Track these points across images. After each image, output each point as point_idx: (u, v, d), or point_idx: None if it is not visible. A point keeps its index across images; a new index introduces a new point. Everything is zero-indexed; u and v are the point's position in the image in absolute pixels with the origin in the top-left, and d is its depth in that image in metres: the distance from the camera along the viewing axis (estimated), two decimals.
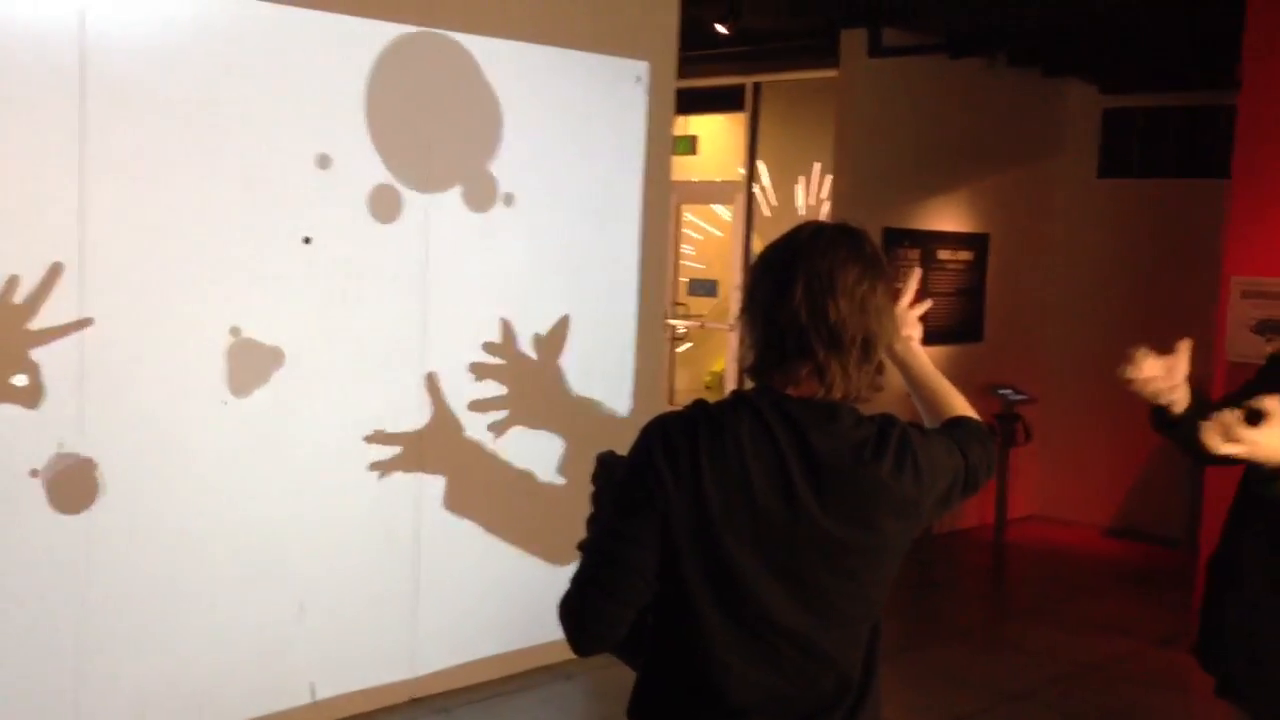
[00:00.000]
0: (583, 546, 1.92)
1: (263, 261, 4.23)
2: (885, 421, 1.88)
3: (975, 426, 2.08)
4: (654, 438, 1.84)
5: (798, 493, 1.79)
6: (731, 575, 1.80)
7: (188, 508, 4.12)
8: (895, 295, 1.97)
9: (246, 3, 4.11)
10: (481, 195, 4.83)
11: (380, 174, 4.51)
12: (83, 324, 3.82)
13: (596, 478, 2.02)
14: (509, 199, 4.91)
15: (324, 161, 4.34)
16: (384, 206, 4.52)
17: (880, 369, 1.90)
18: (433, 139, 4.66)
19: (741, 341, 1.95)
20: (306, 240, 4.33)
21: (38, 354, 3.74)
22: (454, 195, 4.75)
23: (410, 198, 4.61)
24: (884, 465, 1.82)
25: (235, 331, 4.18)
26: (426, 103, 4.63)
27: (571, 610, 1.86)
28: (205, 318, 4.12)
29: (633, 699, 1.95)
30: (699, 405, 1.88)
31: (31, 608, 3.81)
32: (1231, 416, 2.20)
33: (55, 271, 3.75)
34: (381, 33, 4.47)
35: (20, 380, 3.71)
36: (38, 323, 3.74)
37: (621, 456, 1.95)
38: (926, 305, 2.24)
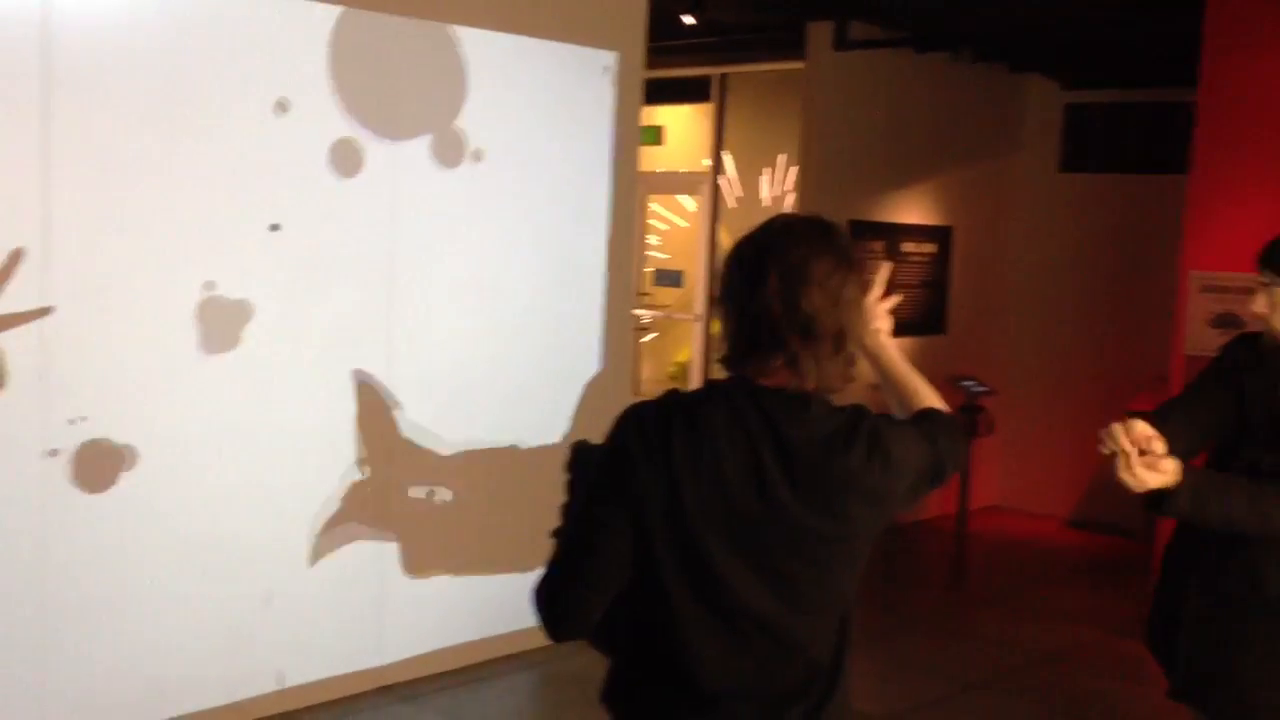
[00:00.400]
0: (556, 533, 1.94)
1: (230, 242, 4.21)
2: (856, 412, 1.91)
3: (945, 419, 2.11)
4: (628, 426, 1.86)
5: (770, 482, 1.82)
6: (704, 563, 1.82)
7: (152, 495, 4.10)
8: (866, 288, 1.99)
9: None
10: (449, 151, 4.82)
11: (343, 127, 4.49)
12: (43, 312, 3.78)
13: (570, 466, 2.04)
14: (477, 154, 4.89)
15: (282, 107, 4.30)
16: (347, 162, 4.50)
17: (852, 360, 1.92)
18: (400, 96, 4.65)
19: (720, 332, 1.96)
20: (274, 227, 4.31)
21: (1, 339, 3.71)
22: (420, 149, 4.73)
23: (374, 150, 4.59)
24: (855, 455, 1.85)
25: (203, 308, 4.16)
26: (391, 69, 4.62)
27: (546, 596, 1.87)
28: (170, 303, 4.09)
29: (606, 685, 1.97)
30: (673, 394, 1.90)
31: None
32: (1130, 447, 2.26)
33: (15, 257, 3.71)
34: (342, 15, 4.46)
35: None
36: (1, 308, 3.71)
37: (595, 445, 1.97)
38: (897, 299, 2.27)
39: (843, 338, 1.87)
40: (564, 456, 2.05)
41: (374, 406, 4.67)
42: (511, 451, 5.17)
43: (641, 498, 1.81)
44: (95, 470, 3.96)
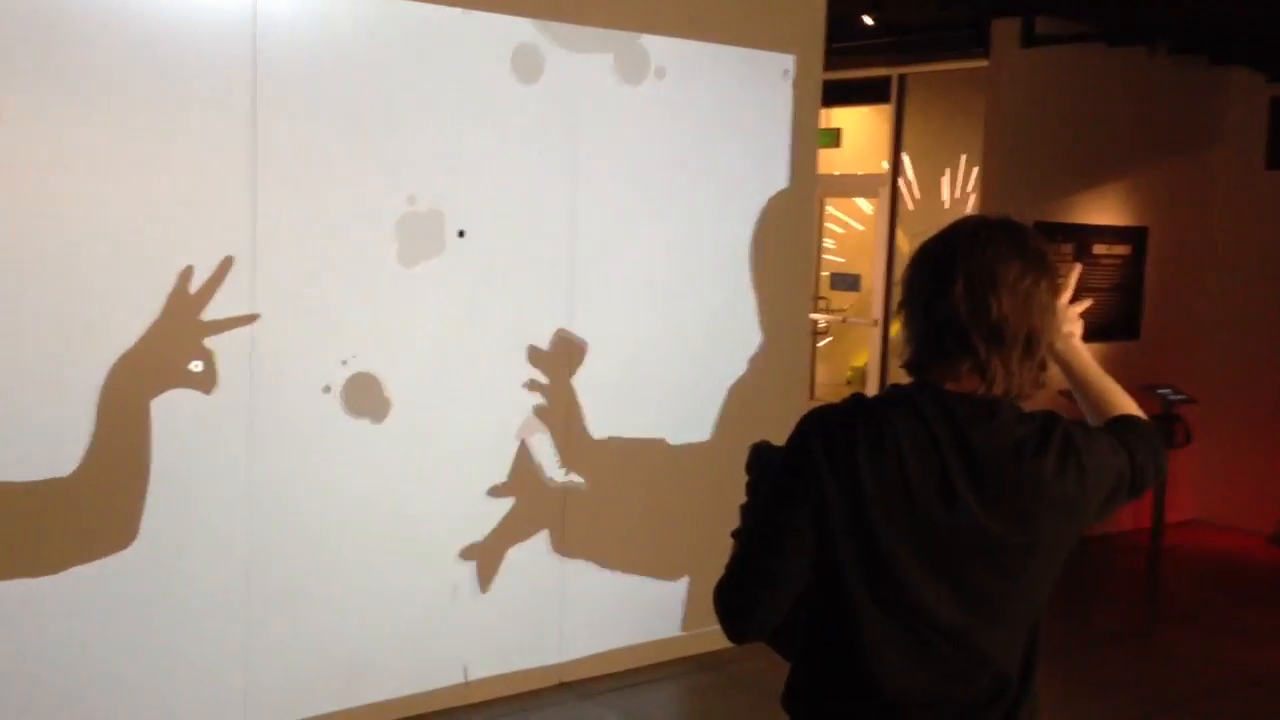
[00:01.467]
0: (737, 534, 1.94)
1: (416, 258, 4.37)
2: (1047, 419, 1.85)
3: (1142, 426, 2.02)
4: (812, 430, 1.85)
5: (957, 490, 1.78)
6: (887, 570, 1.80)
7: (348, 491, 4.29)
8: (1059, 291, 1.93)
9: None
10: (633, 156, 4.89)
11: (531, 136, 4.61)
12: (250, 319, 4.00)
13: (750, 467, 2.04)
14: (661, 156, 4.94)
15: (473, 117, 4.45)
16: (537, 179, 4.64)
17: (1043, 366, 1.87)
18: (584, 107, 4.74)
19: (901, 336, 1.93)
20: (460, 234, 4.46)
21: (211, 342, 3.95)
22: (603, 160, 4.82)
23: (560, 193, 4.70)
24: (1046, 464, 1.80)
25: (389, 319, 4.33)
26: (569, 93, 4.72)
27: (726, 597, 1.88)
28: (361, 301, 4.28)
29: (786, 689, 1.97)
30: (856, 399, 1.88)
31: (202, 593, 4.02)
32: None
33: (226, 265, 3.95)
34: (533, 26, 4.57)
35: (197, 366, 3.92)
36: (211, 314, 3.94)
37: (776, 446, 1.96)
38: (1088, 303, 2.17)
39: (1033, 342, 1.82)
40: (745, 457, 2.05)
41: (559, 400, 4.78)
42: (693, 450, 5.20)
43: (824, 502, 1.80)
44: (296, 470, 4.17)
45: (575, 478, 4.86)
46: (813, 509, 1.80)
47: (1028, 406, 1.87)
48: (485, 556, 4.66)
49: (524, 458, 4.72)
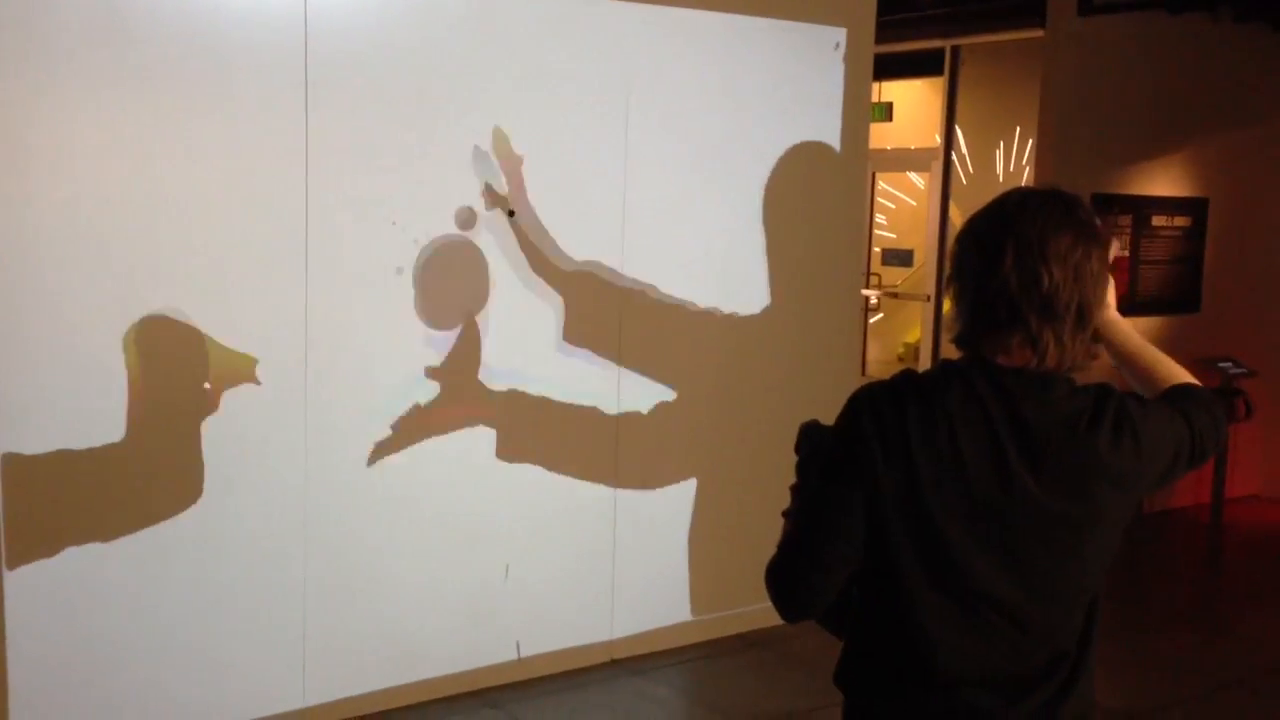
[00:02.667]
0: (787, 514, 1.94)
1: (466, 246, 4.39)
2: (1101, 391, 1.83)
3: (1200, 393, 1.97)
4: (862, 406, 1.83)
5: (1010, 465, 1.76)
6: (941, 547, 1.78)
7: (400, 473, 4.33)
8: (1109, 263, 1.90)
9: None
10: (681, 132, 4.88)
11: (579, 147, 4.61)
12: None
13: (800, 446, 2.03)
14: (711, 132, 4.94)
15: (527, 97, 4.45)
16: (584, 156, 4.63)
17: (1096, 337, 1.84)
18: (630, 109, 4.73)
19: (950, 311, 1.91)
20: (511, 214, 4.47)
21: (265, 324, 4.00)
22: (651, 130, 4.81)
23: (612, 175, 4.69)
24: (1100, 437, 1.77)
25: (445, 300, 4.36)
26: (624, 76, 4.70)
27: (779, 577, 1.87)
28: (414, 289, 4.30)
29: (839, 667, 1.96)
30: (907, 375, 1.87)
31: (263, 572, 4.09)
32: None
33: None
34: (580, 8, 4.56)
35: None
36: (266, 301, 3.99)
37: (825, 425, 1.95)
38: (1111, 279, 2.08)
39: (1085, 314, 1.80)
40: (793, 437, 2.04)
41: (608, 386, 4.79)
42: (744, 428, 5.19)
43: (875, 479, 1.78)
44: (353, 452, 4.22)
45: (629, 454, 4.87)
46: (864, 487, 1.79)
47: (1081, 379, 1.84)
48: (538, 536, 4.69)
49: (578, 435, 4.74)
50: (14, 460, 3.62)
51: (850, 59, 5.34)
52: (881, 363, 10.51)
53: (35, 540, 3.69)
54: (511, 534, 4.62)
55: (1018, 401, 1.78)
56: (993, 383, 1.79)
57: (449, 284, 4.38)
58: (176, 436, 3.89)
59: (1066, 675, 1.85)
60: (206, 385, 3.92)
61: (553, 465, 4.70)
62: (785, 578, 1.87)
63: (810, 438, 2.01)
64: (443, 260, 4.35)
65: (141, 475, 3.84)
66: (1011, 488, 1.77)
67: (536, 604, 4.71)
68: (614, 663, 4.93)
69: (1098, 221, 1.85)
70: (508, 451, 4.58)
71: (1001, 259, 1.78)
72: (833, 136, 5.34)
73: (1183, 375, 2.03)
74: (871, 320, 10.55)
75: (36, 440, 3.66)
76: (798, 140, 5.22)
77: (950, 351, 1.92)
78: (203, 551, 3.97)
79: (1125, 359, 2.06)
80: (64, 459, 3.70)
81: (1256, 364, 7.69)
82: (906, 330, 10.66)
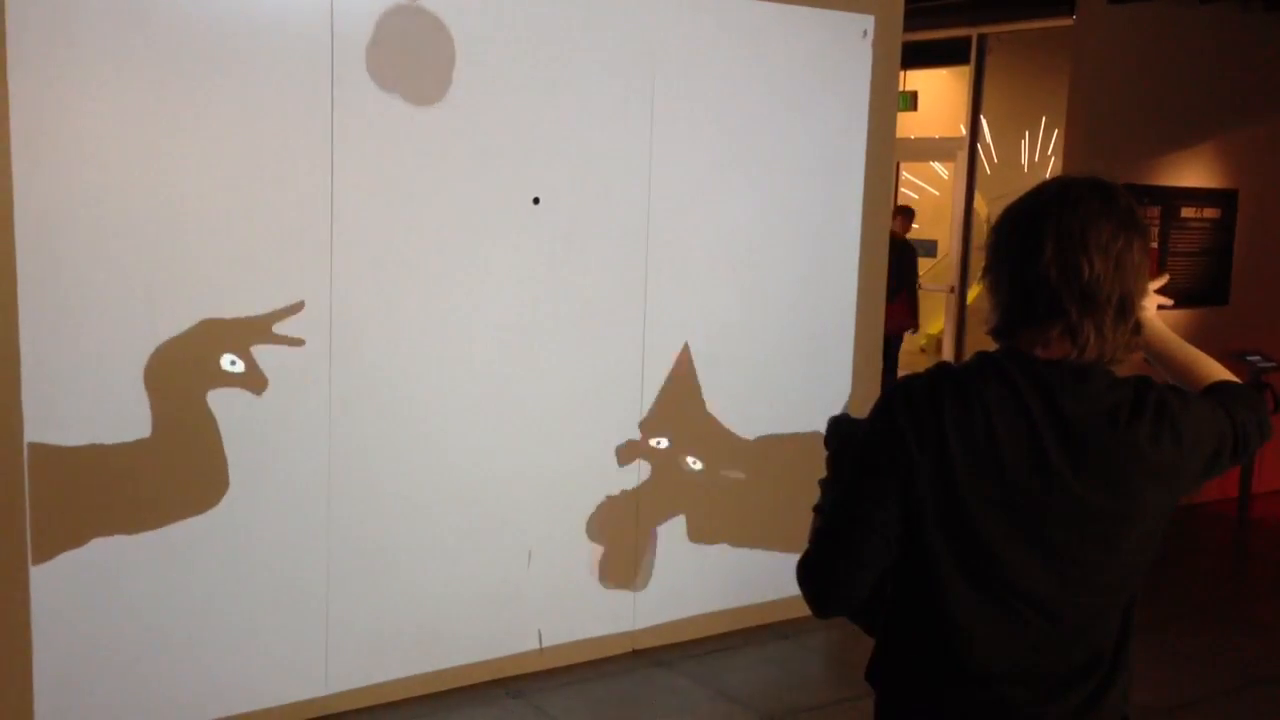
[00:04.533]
0: (819, 508, 1.91)
1: (493, 225, 4.37)
2: (1141, 384, 1.80)
3: (1240, 388, 1.98)
4: (896, 399, 1.81)
5: (1049, 458, 1.73)
6: (978, 542, 1.76)
7: (422, 461, 4.33)
8: (1150, 253, 1.87)
9: None
10: (707, 119, 4.85)
11: (604, 134, 4.58)
12: (295, 308, 4.02)
13: (829, 441, 2.00)
14: (735, 120, 4.90)
15: (545, 86, 4.43)
16: (606, 141, 4.60)
17: (1137, 329, 1.81)
18: (655, 95, 4.70)
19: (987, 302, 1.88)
20: (536, 200, 4.45)
21: (286, 330, 4.00)
22: (679, 116, 4.78)
23: (636, 159, 4.66)
24: (1141, 429, 1.75)
25: (468, 288, 4.35)
26: (650, 63, 4.67)
27: (812, 571, 1.84)
28: (438, 278, 4.29)
29: (871, 663, 1.94)
30: (942, 368, 1.84)
31: (286, 561, 4.09)
32: None
33: (296, 307, 4.01)
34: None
35: (236, 366, 3.95)
36: (287, 291, 3.99)
37: (855, 419, 1.93)
38: (1164, 280, 2.14)
39: (1126, 305, 1.76)
40: (819, 427, 2.02)
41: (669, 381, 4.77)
42: (770, 420, 5.16)
43: (910, 473, 1.76)
44: (379, 429, 4.22)
45: (659, 442, 4.85)
46: (899, 481, 1.77)
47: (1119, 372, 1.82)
48: (562, 524, 4.68)
49: (604, 426, 4.72)
50: (41, 450, 3.63)
51: (878, 47, 5.29)
52: (906, 353, 10.45)
53: (63, 530, 3.69)
54: (534, 522, 4.61)
55: (1056, 394, 1.75)
56: (1030, 375, 1.77)
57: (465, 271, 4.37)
58: (203, 430, 3.88)
59: (1104, 676, 1.83)
60: (238, 367, 3.93)
61: (577, 454, 4.68)
62: (819, 572, 1.84)
63: (841, 432, 1.99)
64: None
65: (169, 469, 3.84)
66: (1050, 481, 1.74)
67: (559, 593, 4.70)
68: (636, 653, 4.92)
69: (1138, 211, 1.82)
70: (533, 439, 4.56)
71: (1041, 249, 1.75)
72: (860, 125, 5.29)
73: (1222, 372, 2.04)
74: None
75: (67, 432, 3.67)
76: (824, 129, 5.18)
77: (976, 342, 1.89)
78: (228, 540, 3.97)
79: (1164, 359, 2.09)
80: (94, 453, 3.71)
81: None
82: (930, 321, 10.60)
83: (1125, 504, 1.77)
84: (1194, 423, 1.81)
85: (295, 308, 4.01)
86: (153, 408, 3.79)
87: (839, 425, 2.01)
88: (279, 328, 3.98)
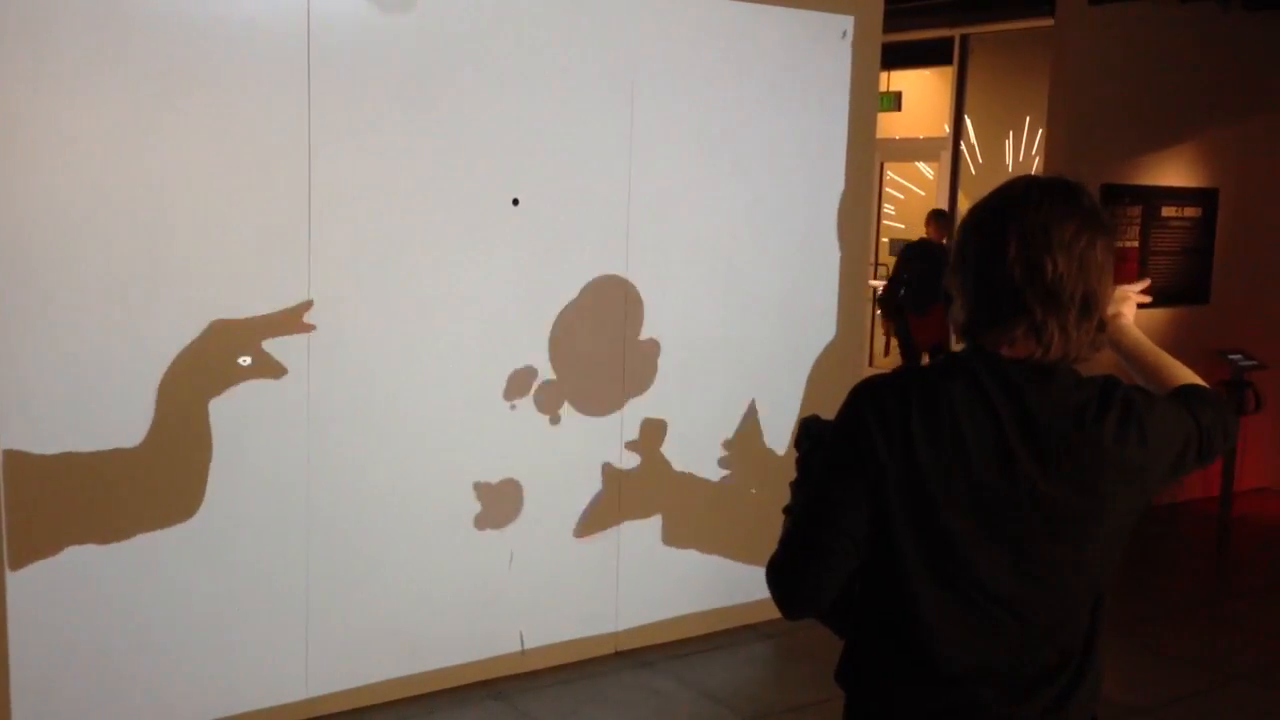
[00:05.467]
0: (789, 510, 1.92)
1: (473, 226, 4.37)
2: (1107, 383, 1.81)
3: (1206, 392, 1.99)
4: (864, 400, 1.81)
5: (1016, 458, 1.74)
6: (946, 542, 1.76)
7: (402, 461, 4.32)
8: (1115, 251, 1.88)
9: None
10: (686, 120, 4.85)
11: (584, 135, 4.58)
12: (304, 307, 4.03)
13: (801, 442, 2.01)
14: (714, 122, 4.90)
15: (520, 83, 4.43)
16: (586, 140, 4.60)
17: (1101, 327, 1.82)
18: (635, 91, 4.70)
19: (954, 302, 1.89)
20: (515, 202, 4.44)
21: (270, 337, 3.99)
22: (655, 117, 4.77)
23: (615, 160, 4.67)
24: (1106, 429, 1.76)
25: (446, 290, 4.34)
26: (629, 64, 4.67)
27: (780, 573, 1.84)
28: (417, 278, 4.29)
29: (840, 664, 1.94)
30: (909, 368, 1.85)
31: (265, 564, 4.08)
32: None
33: (305, 307, 4.03)
34: None
35: (245, 361, 3.96)
36: (268, 309, 3.98)
37: (826, 420, 1.93)
38: (1145, 283, 2.20)
39: (1090, 303, 1.77)
40: (797, 430, 2.02)
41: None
42: (747, 424, 5.17)
43: (878, 474, 1.76)
44: (357, 441, 4.21)
45: (633, 449, 4.85)
46: (867, 481, 1.77)
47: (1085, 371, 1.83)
48: (544, 525, 4.68)
49: (585, 427, 4.72)
50: (16, 457, 3.61)
51: (858, 47, 5.30)
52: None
53: (38, 538, 3.68)
54: (515, 524, 4.60)
55: (1022, 393, 1.76)
56: (996, 374, 1.77)
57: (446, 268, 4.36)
58: (181, 430, 3.87)
59: (1072, 676, 1.83)
60: (246, 361, 3.93)
61: (557, 455, 4.68)
62: (787, 575, 1.84)
63: (811, 433, 1.99)
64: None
65: (150, 478, 3.83)
66: (1016, 480, 1.75)
67: (541, 594, 4.70)
68: (619, 654, 4.92)
69: (1102, 210, 1.83)
70: (514, 441, 4.56)
71: (1005, 248, 1.76)
72: (840, 125, 5.30)
73: (1190, 376, 2.06)
74: (879, 312, 10.52)
75: (42, 440, 3.65)
76: (805, 129, 5.19)
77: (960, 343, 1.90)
78: (207, 543, 3.96)
79: (1134, 361, 2.11)
80: (70, 461, 3.69)
81: (1266, 356, 7.64)
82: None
83: (1092, 503, 1.78)
84: (1159, 423, 1.82)
85: (304, 307, 4.01)
86: (156, 415, 3.79)
87: (809, 426, 2.01)
88: (274, 329, 3.98)
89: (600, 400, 4.76)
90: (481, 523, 4.52)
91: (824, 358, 5.36)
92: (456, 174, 4.31)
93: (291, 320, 4.02)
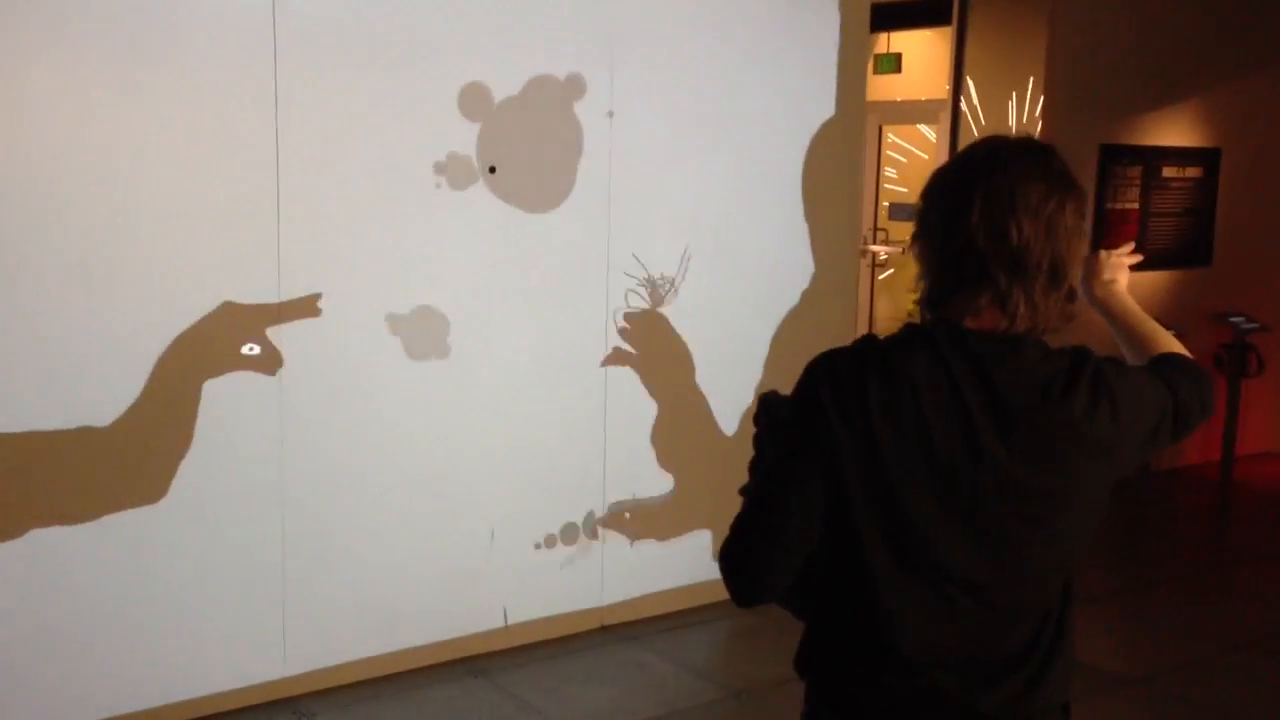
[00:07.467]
0: (745, 491, 1.83)
1: (448, 198, 4.26)
2: (1077, 355, 1.71)
3: (1186, 362, 1.90)
4: (819, 375, 1.72)
5: (979, 434, 1.64)
6: (906, 523, 1.67)
7: (383, 434, 4.24)
8: (1085, 214, 1.78)
9: None
10: (668, 83, 4.73)
11: (556, 97, 4.46)
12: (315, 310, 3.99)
13: (758, 419, 1.91)
14: (697, 82, 4.79)
15: (492, 64, 4.32)
16: (554, 108, 4.47)
17: (1071, 296, 1.72)
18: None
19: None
20: (492, 170, 4.33)
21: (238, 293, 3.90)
22: (636, 80, 4.65)
23: (596, 124, 4.55)
24: (1076, 402, 1.66)
25: (422, 267, 4.24)
26: (609, 25, 4.54)
27: (732, 558, 1.76)
28: (393, 245, 4.18)
29: (799, 652, 1.86)
30: (868, 339, 1.75)
31: (240, 541, 4.01)
32: None
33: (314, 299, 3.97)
34: None
35: (252, 349, 3.89)
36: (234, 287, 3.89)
37: (785, 396, 1.83)
38: (1137, 258, 2.12)
39: (1059, 271, 1.67)
40: (753, 408, 1.93)
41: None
42: (739, 391, 5.07)
43: (834, 452, 1.66)
44: (333, 404, 4.12)
45: (616, 420, 4.76)
46: (822, 460, 1.68)
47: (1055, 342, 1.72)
48: (525, 501, 4.59)
49: (565, 401, 4.63)
50: None
51: (846, 7, 5.16)
52: (892, 318, 10.38)
53: (3, 518, 3.60)
54: (496, 499, 4.52)
55: (987, 366, 1.66)
56: (959, 346, 1.67)
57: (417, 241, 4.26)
58: (164, 411, 3.79)
59: (1041, 662, 1.75)
60: (253, 350, 3.89)
61: (538, 426, 4.59)
62: (739, 559, 1.76)
63: (769, 409, 1.90)
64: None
65: (121, 457, 3.75)
66: (980, 458, 1.65)
67: (525, 570, 4.62)
68: (604, 629, 4.85)
69: (1072, 172, 1.72)
70: (494, 414, 4.47)
71: (968, 212, 1.66)
72: (829, 88, 5.17)
73: (1174, 346, 1.98)
74: (880, 276, 10.39)
75: (6, 418, 3.57)
76: (790, 92, 5.06)
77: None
78: (180, 522, 3.88)
79: (1122, 330, 2.04)
80: (35, 440, 3.61)
81: (1269, 318, 7.52)
82: (917, 286, 10.48)
83: (1059, 481, 1.68)
84: (1132, 395, 1.72)
85: (312, 300, 3.97)
86: (142, 394, 3.72)
87: (766, 402, 1.92)
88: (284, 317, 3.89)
89: (581, 373, 4.66)
90: (461, 499, 4.44)
91: (814, 327, 5.22)
92: (431, 143, 4.19)
93: (307, 306, 3.96)
